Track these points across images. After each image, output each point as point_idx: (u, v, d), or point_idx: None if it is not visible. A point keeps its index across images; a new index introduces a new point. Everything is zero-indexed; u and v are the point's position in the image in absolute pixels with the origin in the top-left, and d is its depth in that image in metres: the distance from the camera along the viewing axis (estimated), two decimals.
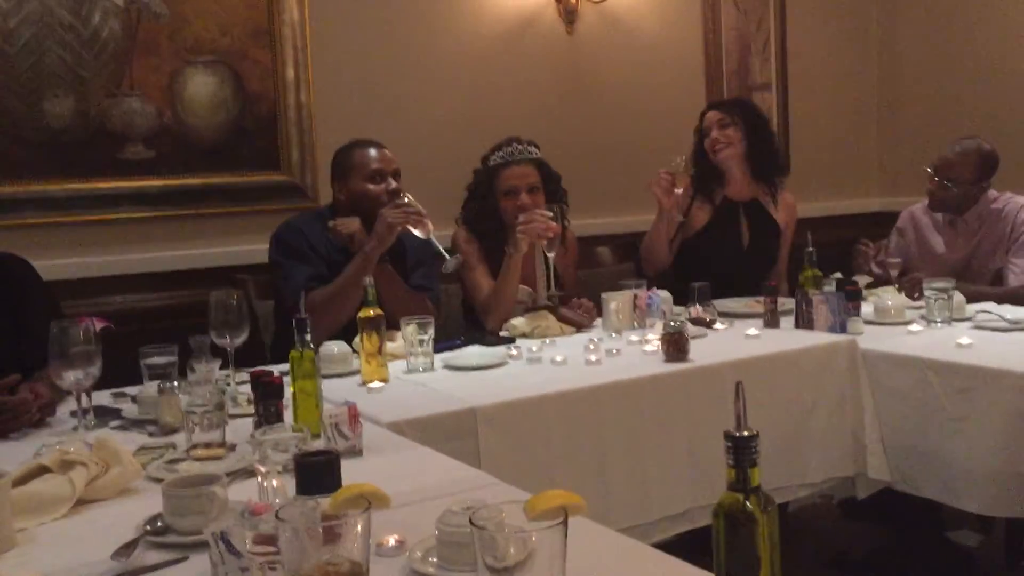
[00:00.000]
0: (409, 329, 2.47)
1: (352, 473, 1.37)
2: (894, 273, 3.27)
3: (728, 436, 0.94)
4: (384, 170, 2.93)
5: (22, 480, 1.53)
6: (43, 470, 1.57)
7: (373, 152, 2.95)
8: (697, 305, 2.93)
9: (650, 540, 2.25)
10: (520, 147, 3.14)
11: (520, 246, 2.94)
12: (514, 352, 2.60)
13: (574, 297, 3.17)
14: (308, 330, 1.89)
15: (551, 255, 3.04)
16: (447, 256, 2.75)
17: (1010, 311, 2.83)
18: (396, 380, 2.37)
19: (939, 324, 2.79)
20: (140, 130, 3.31)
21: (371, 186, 2.91)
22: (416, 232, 2.76)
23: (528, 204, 3.06)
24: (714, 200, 3.47)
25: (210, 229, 3.44)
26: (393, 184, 2.92)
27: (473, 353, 2.62)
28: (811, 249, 3.02)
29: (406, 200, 2.78)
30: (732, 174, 3.45)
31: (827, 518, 3.47)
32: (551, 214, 2.96)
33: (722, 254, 3.39)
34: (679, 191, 3.34)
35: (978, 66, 4.51)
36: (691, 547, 1.98)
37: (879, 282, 3.29)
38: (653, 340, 2.59)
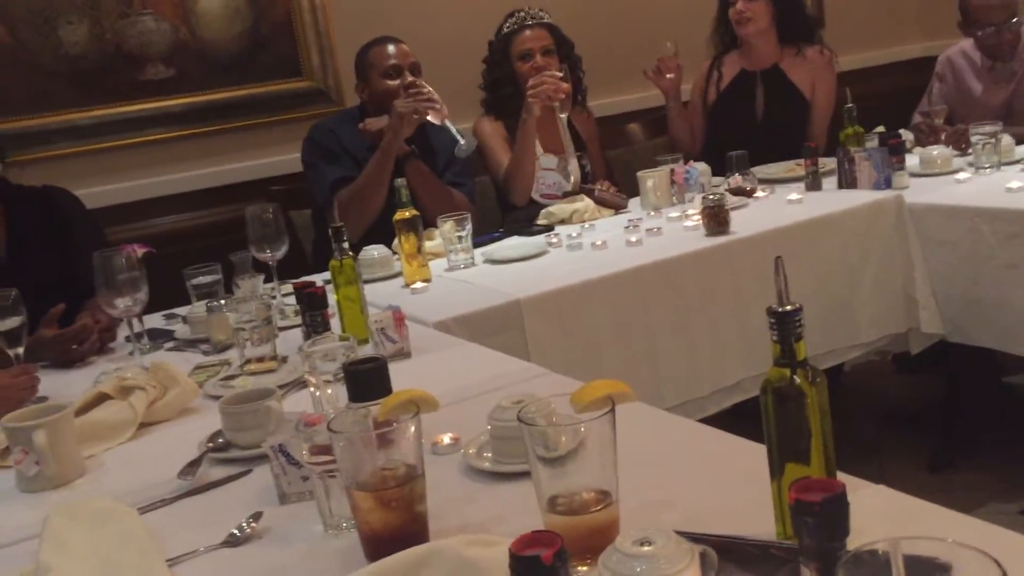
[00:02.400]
0: (447, 226, 2.47)
1: (402, 376, 1.38)
2: (939, 122, 3.16)
3: (771, 312, 0.92)
4: (400, 64, 2.89)
5: (84, 409, 1.58)
6: (104, 397, 1.61)
7: (389, 48, 2.92)
8: (736, 174, 2.87)
9: (704, 414, 2.28)
10: (530, 12, 3.14)
11: (533, 110, 2.93)
12: (554, 240, 2.58)
13: (604, 174, 3.14)
14: (345, 238, 1.89)
15: (564, 116, 3.01)
16: (460, 139, 2.72)
17: None
18: (438, 279, 2.38)
19: (987, 170, 2.71)
20: (157, 49, 3.27)
21: (388, 82, 2.89)
22: (430, 119, 2.72)
23: (543, 65, 3.05)
24: (731, 70, 3.37)
25: (238, 143, 3.42)
26: (409, 78, 2.88)
27: (513, 244, 2.61)
28: (850, 105, 2.93)
29: (421, 90, 2.74)
30: (753, 44, 3.33)
31: (882, 375, 3.47)
32: (560, 74, 2.91)
33: (737, 128, 3.28)
34: (671, 76, 3.24)
35: None
36: (744, 415, 2.00)
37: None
38: (693, 215, 2.55)
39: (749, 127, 3.31)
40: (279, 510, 1.20)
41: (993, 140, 2.72)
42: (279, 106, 3.45)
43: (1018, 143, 2.84)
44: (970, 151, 2.82)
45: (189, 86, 3.32)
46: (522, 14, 3.15)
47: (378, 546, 1.00)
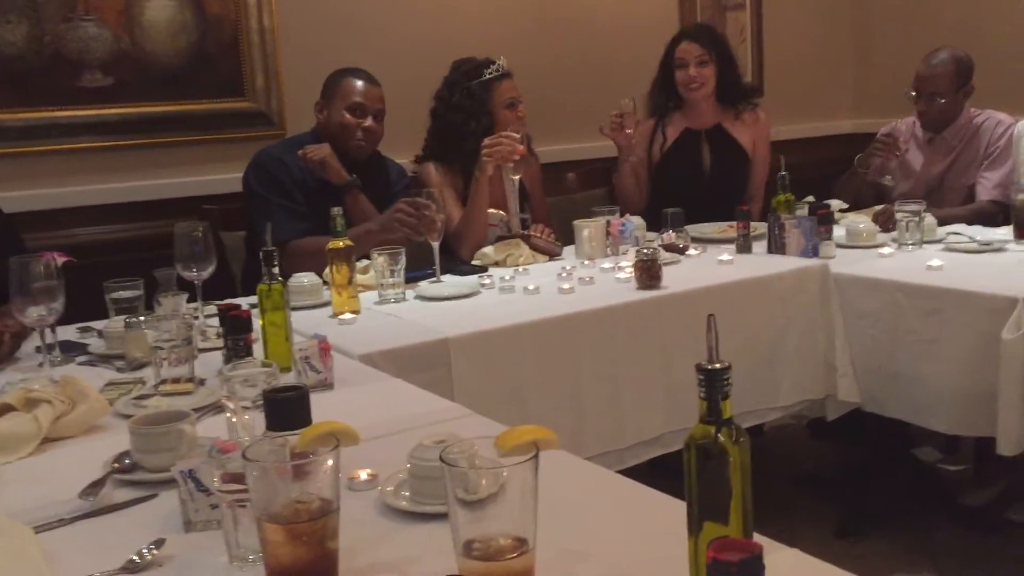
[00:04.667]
0: (380, 259, 2.44)
1: (323, 407, 1.35)
2: (888, 182, 3.30)
3: (700, 369, 0.92)
4: (366, 105, 2.90)
5: None
6: (7, 408, 1.54)
7: (361, 84, 2.93)
8: (670, 231, 2.91)
9: (624, 465, 2.28)
10: (500, 62, 3.15)
11: (487, 169, 2.92)
12: (486, 281, 2.58)
13: (542, 222, 3.15)
14: (276, 263, 1.86)
15: (516, 178, 3.02)
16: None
17: (980, 232, 2.84)
18: (367, 311, 2.35)
19: (910, 247, 2.80)
20: (97, 56, 3.20)
21: (348, 116, 2.89)
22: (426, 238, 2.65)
23: (523, 116, 3.10)
24: (674, 129, 3.45)
25: (173, 158, 3.36)
26: (369, 122, 2.89)
27: (446, 283, 2.60)
28: (784, 173, 3.01)
29: (424, 212, 2.60)
30: (698, 106, 3.42)
31: (797, 438, 3.53)
32: (518, 136, 2.92)
33: (684, 183, 3.35)
34: (630, 131, 3.29)
35: None
36: (664, 469, 2.01)
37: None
38: (626, 267, 2.58)
39: (696, 182, 3.38)
40: (183, 538, 1.16)
41: (917, 218, 2.81)
42: (218, 124, 3.40)
43: (940, 224, 2.95)
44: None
45: (127, 96, 3.25)
46: (497, 64, 3.14)
47: None
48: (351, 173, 2.85)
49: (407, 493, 1.22)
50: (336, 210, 2.35)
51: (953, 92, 3.29)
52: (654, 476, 1.41)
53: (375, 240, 2.59)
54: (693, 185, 3.35)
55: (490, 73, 3.13)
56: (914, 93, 3.33)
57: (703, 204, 3.14)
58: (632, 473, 1.47)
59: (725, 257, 2.74)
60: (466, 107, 3.10)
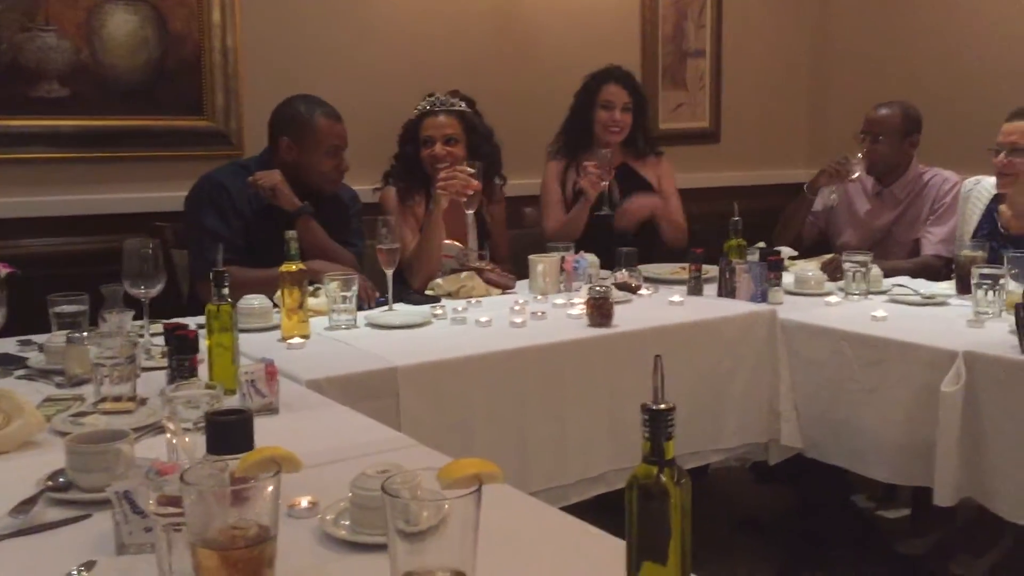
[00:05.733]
0: (332, 285, 2.43)
1: (267, 432, 1.34)
2: (856, 171, 3.35)
3: (645, 409, 0.93)
4: (341, 147, 2.91)
5: None
6: None
7: (336, 126, 2.90)
8: (623, 270, 2.94)
9: (568, 501, 2.28)
10: (444, 97, 3.16)
11: (440, 202, 2.94)
12: (438, 312, 2.58)
13: (502, 263, 3.16)
14: (225, 283, 1.84)
15: (470, 212, 3.03)
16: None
17: (924, 286, 2.91)
18: (317, 336, 2.34)
19: (856, 297, 2.85)
20: (55, 67, 3.17)
21: (328, 161, 2.87)
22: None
23: (441, 155, 3.09)
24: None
25: (128, 174, 3.32)
26: (343, 161, 2.91)
27: (397, 311, 2.59)
28: (737, 218, 3.05)
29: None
30: (606, 148, 3.42)
31: (740, 481, 3.56)
32: (472, 170, 2.94)
33: (598, 220, 3.34)
34: (604, 183, 3.30)
35: (910, 40, 4.58)
36: (607, 507, 2.01)
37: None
38: (578, 304, 2.59)
39: (609, 218, 3.36)
40: (115, 561, 1.13)
41: (863, 269, 2.87)
42: (175, 142, 3.37)
43: (886, 275, 3.01)
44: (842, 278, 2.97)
45: (83, 109, 3.22)
46: (433, 98, 3.17)
47: None
48: (303, 199, 2.83)
49: (347, 522, 1.21)
50: (290, 233, 2.34)
51: (899, 138, 3.40)
52: (600, 513, 1.41)
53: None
54: (607, 220, 3.35)
55: (419, 108, 3.18)
56: (861, 135, 3.43)
57: (617, 239, 3.13)
58: (578, 510, 1.48)
59: (676, 298, 2.77)
60: (403, 136, 3.20)
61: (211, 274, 1.84)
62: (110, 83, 3.26)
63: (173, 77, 3.36)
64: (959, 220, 3.28)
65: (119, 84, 3.28)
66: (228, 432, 1.22)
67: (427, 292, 2.85)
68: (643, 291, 2.90)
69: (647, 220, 3.50)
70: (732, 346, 2.62)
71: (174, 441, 1.32)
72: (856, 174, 3.36)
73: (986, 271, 2.55)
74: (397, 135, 3.24)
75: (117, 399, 1.68)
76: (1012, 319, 2.24)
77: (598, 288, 2.49)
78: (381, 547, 1.02)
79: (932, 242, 3.36)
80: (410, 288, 2.91)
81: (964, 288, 2.71)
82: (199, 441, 1.29)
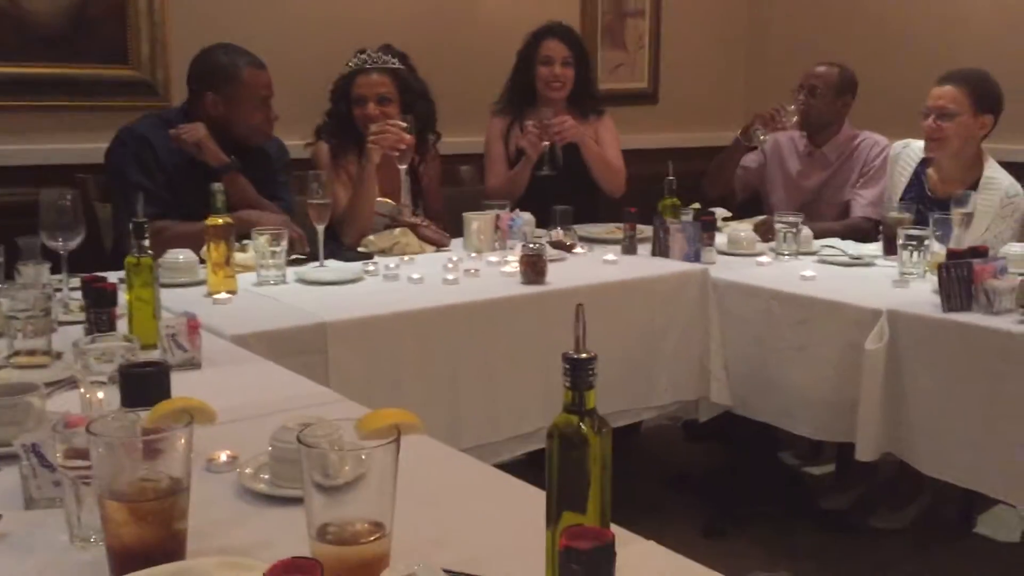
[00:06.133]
0: (261, 240, 2.38)
1: (188, 386, 1.30)
2: (790, 115, 3.37)
3: (566, 358, 0.92)
4: (269, 96, 2.82)
5: None
6: None
7: (263, 74, 2.80)
8: (558, 229, 2.93)
9: (498, 458, 2.28)
10: (377, 55, 3.07)
11: (372, 157, 2.88)
12: (371, 268, 2.54)
13: (437, 215, 3.13)
14: (145, 235, 1.79)
15: (403, 167, 2.97)
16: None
17: (853, 247, 2.95)
18: (244, 292, 2.29)
19: (787, 257, 2.89)
20: None
21: (258, 114, 2.79)
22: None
23: (375, 114, 3.01)
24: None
25: (49, 123, 3.20)
26: (273, 111, 2.82)
27: (328, 268, 2.55)
28: (671, 178, 3.06)
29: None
30: (551, 106, 3.40)
31: (671, 440, 3.61)
32: (405, 125, 2.89)
33: (539, 178, 3.31)
34: (546, 144, 3.28)
35: (846, 3, 4.61)
36: (541, 464, 2.01)
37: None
38: (512, 262, 2.58)
39: (550, 177, 3.30)
40: (23, 515, 1.09)
41: (794, 230, 2.91)
42: (99, 91, 3.26)
43: (816, 237, 3.05)
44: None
45: (1, 55, 3.08)
46: (364, 56, 3.07)
47: (127, 563, 0.92)
48: (229, 154, 2.75)
49: (267, 476, 1.19)
50: (216, 186, 2.28)
51: (833, 95, 3.43)
52: (533, 470, 1.41)
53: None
54: (545, 181, 3.30)
55: (350, 64, 3.09)
56: (798, 88, 3.45)
57: (557, 199, 3.11)
58: (511, 468, 1.47)
59: (610, 257, 2.78)
60: (334, 94, 3.11)
61: (130, 225, 1.78)
62: (29, 28, 3.13)
63: (96, 24, 3.24)
64: (888, 183, 3.33)
65: (39, 30, 3.15)
66: (142, 385, 1.19)
67: (360, 249, 2.80)
68: (578, 250, 2.90)
69: (586, 175, 3.45)
70: (665, 304, 2.64)
71: (87, 395, 1.28)
72: (788, 124, 3.38)
73: (912, 232, 2.60)
74: (329, 89, 3.16)
75: (31, 353, 1.63)
76: (935, 279, 2.29)
77: (532, 246, 2.48)
78: (301, 500, 1.00)
79: (861, 204, 3.41)
80: (342, 245, 2.86)
81: (891, 249, 2.76)
82: (114, 395, 1.26)
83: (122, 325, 1.79)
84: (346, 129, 3.10)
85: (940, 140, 2.99)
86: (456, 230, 3.00)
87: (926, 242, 2.58)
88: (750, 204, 3.67)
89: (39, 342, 1.64)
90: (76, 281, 2.11)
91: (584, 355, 0.92)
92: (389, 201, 3.05)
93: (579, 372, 0.92)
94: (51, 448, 1.07)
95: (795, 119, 3.39)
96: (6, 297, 1.75)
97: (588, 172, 3.43)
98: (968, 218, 2.68)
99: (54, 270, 2.11)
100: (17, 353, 1.63)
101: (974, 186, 2.95)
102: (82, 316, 1.84)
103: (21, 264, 2.02)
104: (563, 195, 3.13)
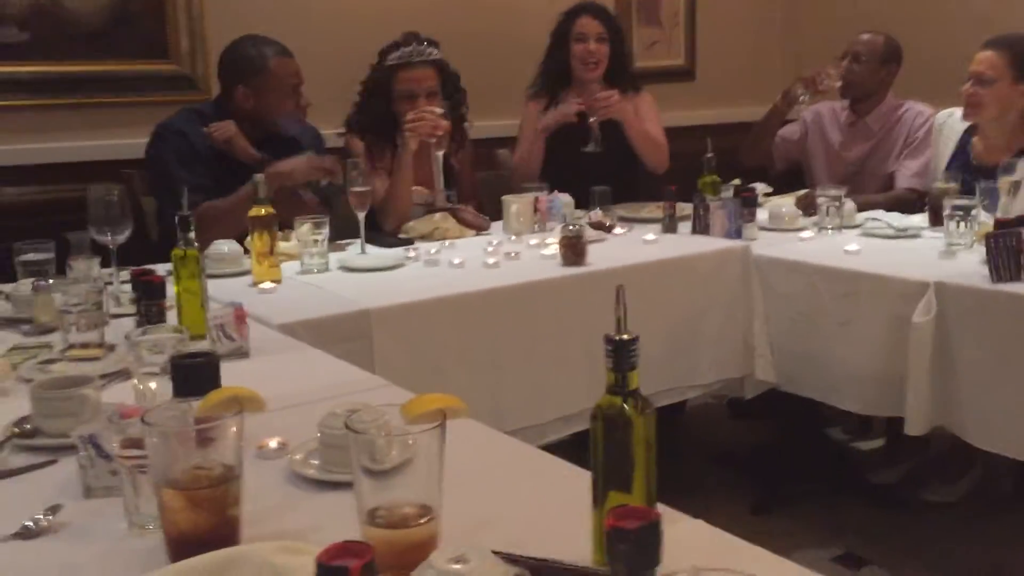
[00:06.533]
0: (304, 228, 2.41)
1: (237, 375, 1.33)
2: (829, 80, 3.32)
3: (608, 339, 0.93)
4: (299, 84, 2.83)
5: None
6: None
7: (291, 63, 2.82)
8: (597, 209, 2.93)
9: (545, 440, 2.29)
10: (420, 48, 3.04)
11: (409, 145, 2.89)
12: (412, 254, 2.56)
13: (471, 200, 3.13)
14: (191, 228, 1.82)
15: (439, 154, 2.97)
16: None
17: (897, 219, 2.91)
18: (289, 281, 2.32)
19: (830, 231, 2.85)
20: (13, 10, 3.08)
21: (288, 103, 2.81)
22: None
23: (426, 108, 2.98)
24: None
25: (92, 120, 3.25)
26: (303, 99, 2.84)
27: (370, 254, 2.57)
28: (711, 155, 3.04)
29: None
30: (588, 88, 3.36)
31: (716, 418, 3.59)
32: (440, 111, 2.89)
33: (577, 160, 3.27)
34: (594, 119, 3.24)
35: None
36: (587, 446, 2.02)
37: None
38: (552, 244, 2.58)
39: (588, 158, 3.26)
40: (82, 505, 1.13)
41: (837, 204, 2.87)
42: (140, 86, 3.30)
43: (860, 210, 3.01)
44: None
45: (44, 54, 3.14)
46: (410, 49, 3.01)
47: (184, 549, 0.94)
48: (262, 144, 2.78)
49: (316, 461, 1.21)
50: (258, 177, 2.31)
51: (877, 64, 3.37)
52: (579, 451, 1.42)
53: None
54: (586, 161, 3.26)
55: (393, 59, 3.03)
56: (842, 56, 3.40)
57: (596, 180, 3.10)
58: (557, 449, 1.49)
59: (650, 237, 2.76)
60: (372, 87, 3.07)
61: (176, 218, 1.82)
62: (71, 26, 3.17)
63: (136, 19, 3.28)
64: (933, 153, 3.28)
65: (81, 27, 3.19)
66: (193, 375, 1.21)
67: (400, 236, 2.82)
68: (617, 230, 2.89)
69: (628, 153, 3.42)
70: (706, 283, 2.63)
71: (140, 386, 1.31)
72: (830, 87, 3.33)
73: (958, 203, 2.55)
74: (361, 82, 3.15)
75: (85, 346, 1.67)
76: (983, 250, 2.25)
77: (571, 227, 2.48)
78: (350, 485, 1.02)
79: (906, 175, 3.35)
80: (383, 231, 2.88)
81: (937, 220, 2.71)
82: (166, 386, 1.29)
83: (171, 317, 1.82)
84: (381, 124, 3.08)
85: (976, 107, 2.93)
86: (495, 213, 3.01)
87: (973, 212, 2.53)
88: (789, 176, 3.62)
89: (92, 335, 1.68)
90: (126, 274, 2.16)
91: (626, 336, 0.93)
92: (423, 190, 3.05)
93: (621, 353, 0.92)
94: (107, 439, 1.10)
95: (838, 84, 3.34)
96: (59, 292, 1.79)
97: (629, 149, 3.41)
98: (1016, 186, 2.62)
99: (103, 264, 2.16)
100: (71, 346, 1.66)
101: (1020, 153, 2.88)
102: (132, 309, 1.88)
103: (72, 259, 2.06)
104: (605, 174, 3.11)
